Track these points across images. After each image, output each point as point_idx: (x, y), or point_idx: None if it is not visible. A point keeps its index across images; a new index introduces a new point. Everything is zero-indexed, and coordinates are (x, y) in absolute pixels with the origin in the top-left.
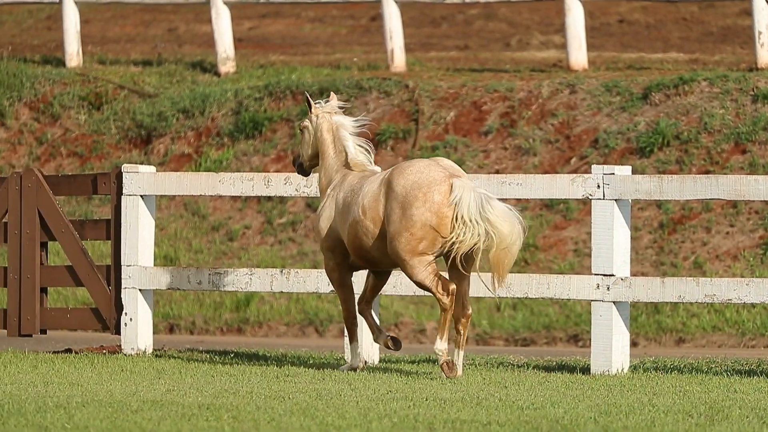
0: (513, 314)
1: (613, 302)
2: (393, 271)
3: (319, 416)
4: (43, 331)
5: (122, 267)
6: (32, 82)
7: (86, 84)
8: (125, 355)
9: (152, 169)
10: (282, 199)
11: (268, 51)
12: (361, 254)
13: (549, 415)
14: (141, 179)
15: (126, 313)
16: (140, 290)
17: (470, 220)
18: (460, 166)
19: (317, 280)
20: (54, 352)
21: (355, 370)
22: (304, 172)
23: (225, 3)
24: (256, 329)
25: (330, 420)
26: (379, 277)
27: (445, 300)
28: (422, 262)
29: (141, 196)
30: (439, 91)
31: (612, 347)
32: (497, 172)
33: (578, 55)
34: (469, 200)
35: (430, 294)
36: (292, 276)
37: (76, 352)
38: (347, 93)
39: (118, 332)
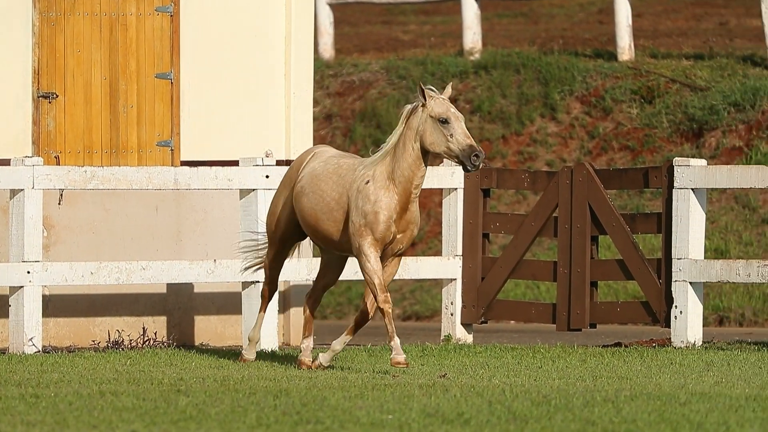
0: None
1: None
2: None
3: None
4: (593, 325)
5: (673, 260)
6: (583, 75)
7: (638, 78)
8: (674, 347)
9: (703, 162)
10: None
11: None
12: None
13: None
14: (692, 173)
15: (676, 306)
16: (690, 283)
17: None
18: None
19: None
20: (603, 346)
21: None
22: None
23: None
24: None
25: None
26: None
27: None
28: None
29: (692, 189)
30: None
31: None
32: None
33: None
34: None
35: None
36: None
37: (626, 346)
38: None
39: (667, 325)
